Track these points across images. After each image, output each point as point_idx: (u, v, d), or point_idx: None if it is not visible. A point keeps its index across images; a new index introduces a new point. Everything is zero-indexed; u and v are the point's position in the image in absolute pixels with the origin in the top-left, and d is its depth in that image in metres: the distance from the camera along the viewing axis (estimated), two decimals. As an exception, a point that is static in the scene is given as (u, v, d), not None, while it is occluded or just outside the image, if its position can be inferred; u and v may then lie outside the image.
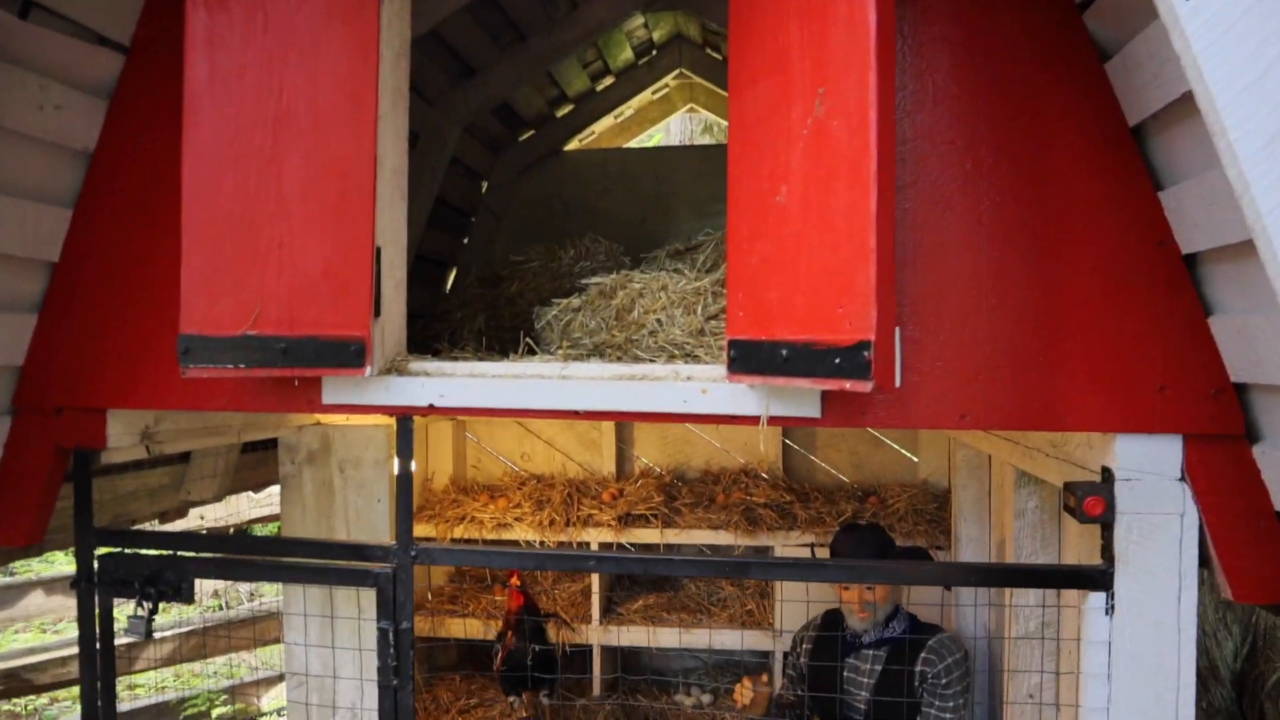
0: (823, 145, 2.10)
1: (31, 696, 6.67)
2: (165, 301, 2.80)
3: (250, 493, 6.81)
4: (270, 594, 8.91)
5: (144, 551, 3.06)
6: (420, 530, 5.55)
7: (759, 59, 2.30)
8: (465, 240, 6.20)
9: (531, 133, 6.27)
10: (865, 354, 1.99)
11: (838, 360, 2.06)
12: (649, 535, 5.50)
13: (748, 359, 2.31)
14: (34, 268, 2.96)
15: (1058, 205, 2.50)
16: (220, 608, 8.67)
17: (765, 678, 4.11)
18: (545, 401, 2.57)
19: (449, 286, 6.01)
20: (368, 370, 2.53)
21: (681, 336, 2.87)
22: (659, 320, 2.93)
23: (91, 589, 3.03)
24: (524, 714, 5.04)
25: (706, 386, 2.50)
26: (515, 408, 2.59)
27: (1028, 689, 3.55)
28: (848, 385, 2.04)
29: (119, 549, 3.09)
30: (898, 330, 2.07)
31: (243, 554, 3.02)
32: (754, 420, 2.49)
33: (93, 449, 3.02)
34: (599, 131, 7.09)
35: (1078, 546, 3.37)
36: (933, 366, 2.48)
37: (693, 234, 5.98)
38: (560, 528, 5.48)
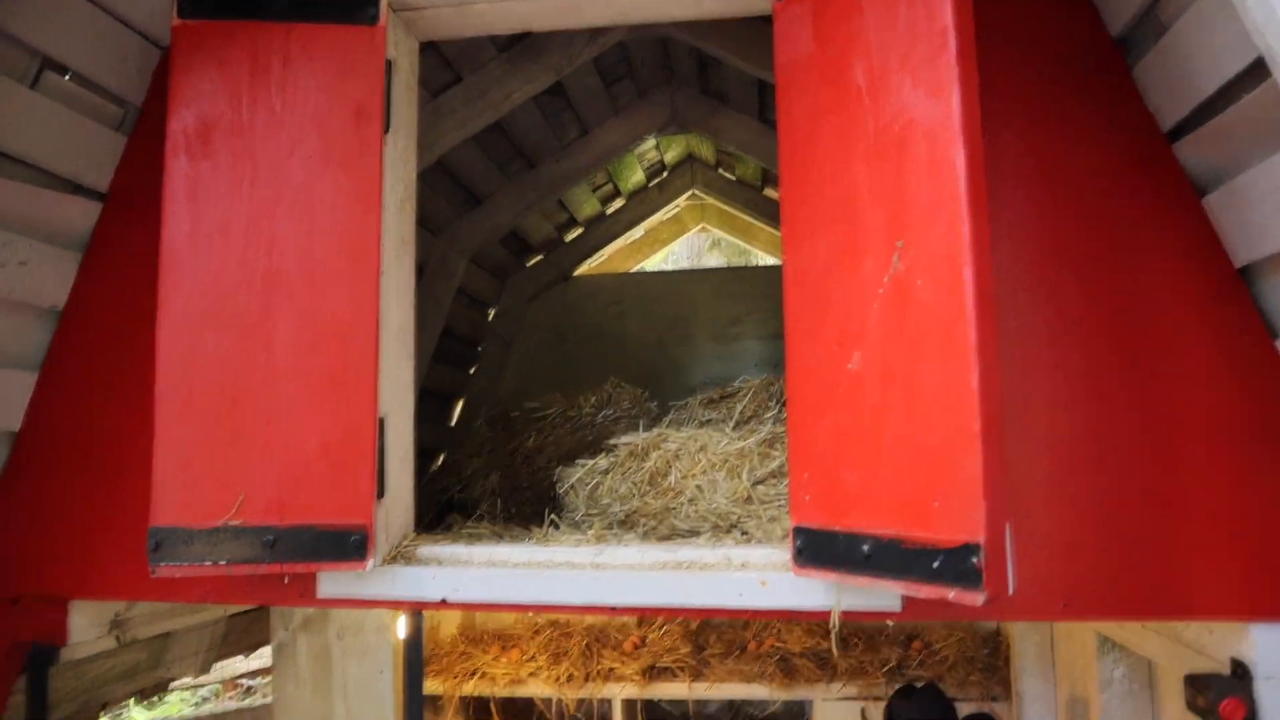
0: (905, 306, 1.79)
1: None
2: (137, 479, 2.43)
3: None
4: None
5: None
6: (427, 687, 5.10)
7: (819, 206, 2.00)
8: (472, 371, 5.89)
9: (540, 258, 6.02)
10: (974, 560, 1.64)
11: (937, 564, 1.70)
12: (676, 689, 5.04)
13: (818, 551, 1.95)
14: (-8, 439, 2.63)
15: (1160, 356, 2.18)
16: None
17: None
18: (576, 595, 2.20)
19: (455, 419, 5.68)
20: (370, 564, 2.17)
21: (726, 505, 2.52)
22: (699, 486, 2.58)
23: (47, 813, 2.61)
24: None
25: (766, 577, 2.13)
26: (542, 603, 2.22)
27: None
28: (951, 595, 1.67)
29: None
30: (1008, 527, 1.72)
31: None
32: (822, 615, 2.12)
33: (52, 645, 2.63)
34: (608, 253, 6.86)
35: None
36: (1027, 549, 2.12)
37: (712, 361, 5.71)
38: (579, 683, 5.03)
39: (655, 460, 2.67)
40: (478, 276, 5.39)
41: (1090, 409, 2.17)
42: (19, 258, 2.52)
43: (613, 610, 2.21)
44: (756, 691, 4.97)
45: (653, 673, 5.07)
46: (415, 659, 2.45)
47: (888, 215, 1.84)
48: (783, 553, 2.19)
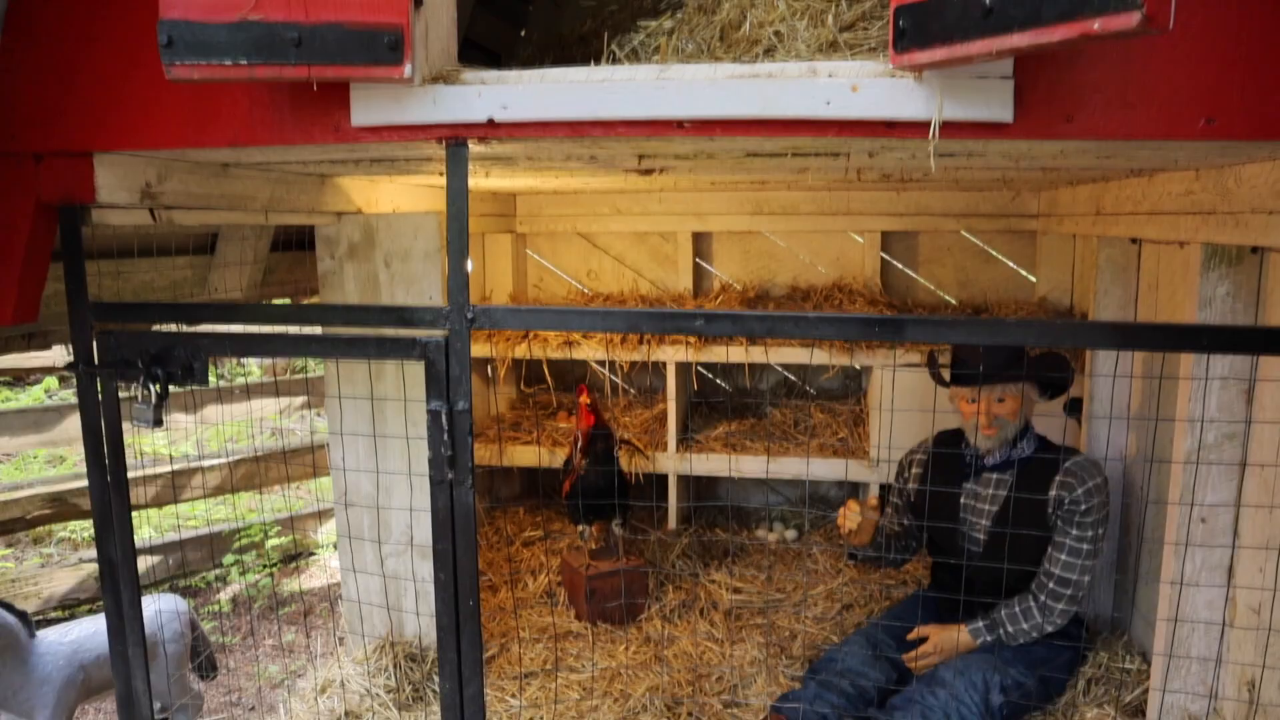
0: None
1: (85, 522, 6.46)
2: (154, 13, 2.18)
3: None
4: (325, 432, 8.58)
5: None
6: (477, 350, 5.06)
7: None
8: (522, 33, 5.49)
9: (597, -96, 5.46)
10: (1133, -30, 1.33)
11: (1083, 0, 1.40)
12: (732, 354, 4.94)
13: (926, 28, 1.65)
14: (-10, -31, 2.37)
15: None
16: (274, 437, 8.40)
17: (874, 501, 3.59)
18: (638, 108, 1.95)
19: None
20: (407, 68, 1.92)
21: (808, 54, 2.21)
22: (777, 33, 2.26)
23: (91, 372, 2.54)
24: (594, 545, 4.61)
25: (858, 83, 1.85)
26: (600, 118, 1.97)
27: (1200, 517, 2.97)
28: (1096, 26, 1.38)
29: (121, 325, 2.59)
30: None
31: (265, 324, 2.50)
32: (919, 129, 1.85)
33: (81, 203, 2.48)
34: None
35: (1285, 337, 2.73)
36: (1172, 58, 1.80)
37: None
38: (633, 346, 4.94)
39: (728, 11, 2.36)
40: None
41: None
42: None
43: (679, 126, 1.96)
44: (815, 358, 4.85)
45: (708, 337, 4.96)
46: (459, 239, 2.20)
47: None
48: (877, 64, 1.89)
